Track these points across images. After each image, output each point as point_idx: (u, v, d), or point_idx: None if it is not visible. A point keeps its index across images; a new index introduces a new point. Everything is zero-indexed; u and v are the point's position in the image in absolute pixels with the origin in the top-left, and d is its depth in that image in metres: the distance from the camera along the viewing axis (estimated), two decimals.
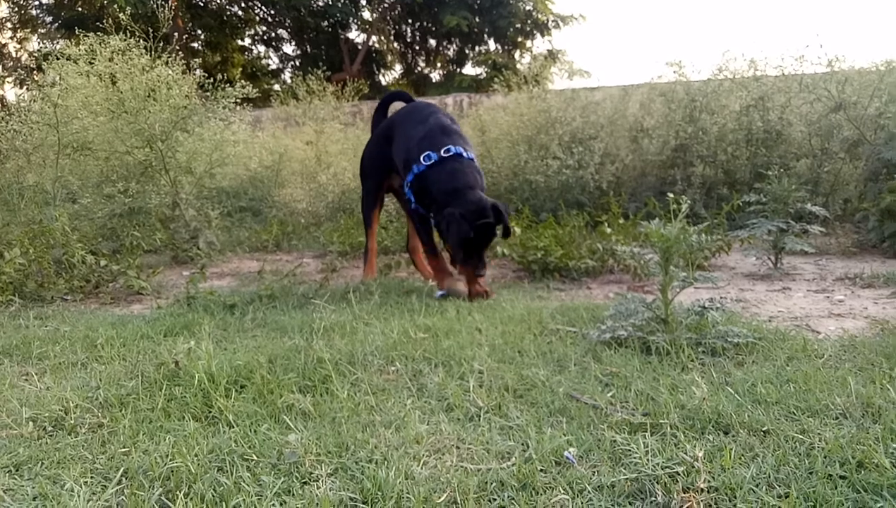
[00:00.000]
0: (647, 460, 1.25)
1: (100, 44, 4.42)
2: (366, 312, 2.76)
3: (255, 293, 3.17)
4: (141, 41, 4.46)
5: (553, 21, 16.13)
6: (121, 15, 4.31)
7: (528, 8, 16.10)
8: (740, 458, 1.27)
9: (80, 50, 4.41)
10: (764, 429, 1.39)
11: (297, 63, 18.04)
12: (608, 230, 3.88)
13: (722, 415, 1.46)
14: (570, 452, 1.30)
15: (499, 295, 3.20)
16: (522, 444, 1.38)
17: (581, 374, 1.84)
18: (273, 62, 19.25)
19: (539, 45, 16.89)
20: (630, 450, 1.30)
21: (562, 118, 5.81)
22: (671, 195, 2.26)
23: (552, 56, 15.75)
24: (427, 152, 3.21)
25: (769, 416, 1.46)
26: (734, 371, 1.82)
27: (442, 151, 3.20)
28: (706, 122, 5.55)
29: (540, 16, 16.06)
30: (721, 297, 2.26)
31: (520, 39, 16.67)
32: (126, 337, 2.41)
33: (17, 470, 1.33)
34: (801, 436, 1.35)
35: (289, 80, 16.79)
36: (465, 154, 3.23)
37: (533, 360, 1.98)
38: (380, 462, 1.28)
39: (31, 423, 1.56)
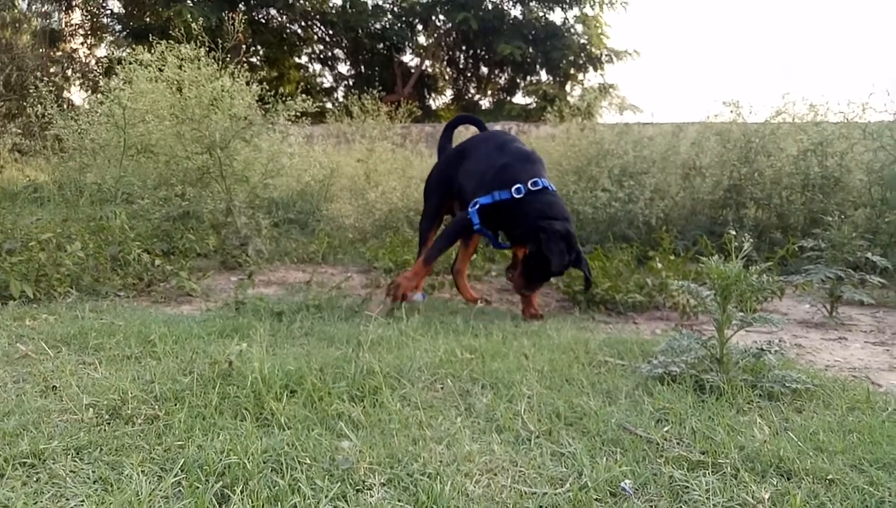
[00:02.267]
0: (708, 498, 1.22)
1: (170, 51, 4.59)
2: (412, 328, 2.76)
3: (301, 302, 3.20)
4: (210, 51, 4.61)
5: (607, 55, 16.18)
6: (194, 25, 4.47)
7: (582, 41, 16.19)
8: (806, 505, 1.22)
9: (151, 56, 4.58)
10: (829, 478, 1.34)
11: (351, 83, 18.42)
12: (658, 266, 3.83)
13: (784, 460, 1.41)
14: (626, 483, 1.28)
15: (544, 323, 3.17)
16: (576, 472, 1.36)
17: (633, 407, 1.81)
18: (327, 80, 19.71)
19: (591, 78, 16.94)
20: (689, 487, 1.27)
21: (614, 151, 5.78)
22: (733, 232, 2.22)
23: (603, 90, 15.76)
24: (517, 185, 3.24)
25: (833, 465, 1.41)
26: (793, 416, 1.76)
27: (529, 184, 3.24)
28: (762, 164, 5.46)
29: (594, 49, 16.12)
30: (780, 341, 2.20)
31: (572, 72, 16.74)
32: (178, 336, 2.45)
33: (77, 454, 1.36)
34: (869, 488, 1.29)
35: (341, 99, 17.13)
36: (550, 187, 3.30)
37: (583, 389, 1.96)
38: (433, 477, 1.27)
39: (90, 410, 1.60)
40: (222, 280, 4.19)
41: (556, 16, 16.69)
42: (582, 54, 16.30)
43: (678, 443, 1.53)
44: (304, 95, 4.72)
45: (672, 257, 4.09)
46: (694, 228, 5.54)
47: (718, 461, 1.40)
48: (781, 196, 5.38)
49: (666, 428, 1.61)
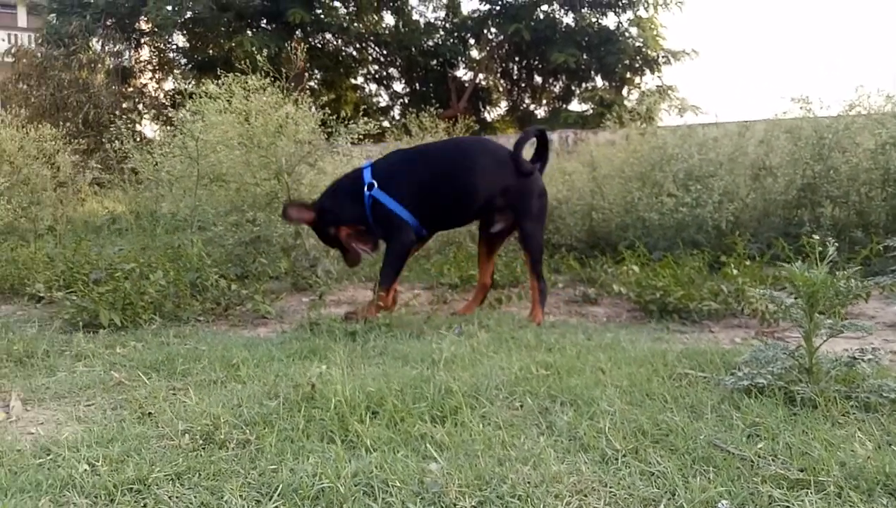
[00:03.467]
0: None
1: (237, 83, 4.77)
2: (483, 345, 2.77)
3: (373, 321, 3.25)
4: (275, 81, 4.77)
5: (664, 57, 15.89)
6: (259, 56, 4.64)
7: (637, 44, 15.96)
8: None
9: (219, 88, 4.77)
10: None
11: (406, 100, 18.67)
12: (734, 271, 3.71)
13: (891, 477, 1.34)
14: (723, 504, 1.24)
15: (616, 334, 3.12)
16: (669, 492, 1.33)
17: (720, 422, 1.76)
18: (383, 100, 20.05)
19: (648, 80, 16.66)
20: (791, 507, 1.22)
21: (678, 155, 5.66)
22: (816, 236, 2.14)
23: (661, 92, 15.47)
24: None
25: None
26: (895, 429, 1.67)
27: None
28: (837, 161, 5.24)
29: (650, 52, 15.87)
30: (874, 348, 2.09)
31: (628, 76, 16.52)
32: (259, 359, 2.53)
33: (178, 479, 1.41)
34: None
35: (398, 117, 17.38)
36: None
37: (665, 405, 1.91)
38: (524, 499, 1.27)
39: (185, 435, 1.66)
40: (294, 301, 4.30)
41: (610, 20, 16.53)
42: (638, 57, 16.06)
43: (773, 460, 1.48)
44: (365, 118, 4.81)
45: (747, 262, 3.96)
46: (767, 230, 5.35)
47: (819, 479, 1.34)
48: (860, 192, 5.15)
49: (759, 445, 1.56)
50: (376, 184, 3.48)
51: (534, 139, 3.85)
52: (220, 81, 4.83)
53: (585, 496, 1.32)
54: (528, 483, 1.36)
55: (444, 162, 3.63)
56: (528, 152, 3.83)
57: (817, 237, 2.12)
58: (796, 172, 5.39)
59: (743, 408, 1.85)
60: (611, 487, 1.36)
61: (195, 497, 1.32)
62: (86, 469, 1.44)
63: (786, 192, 5.42)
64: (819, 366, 2.05)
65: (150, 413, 1.89)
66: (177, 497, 1.33)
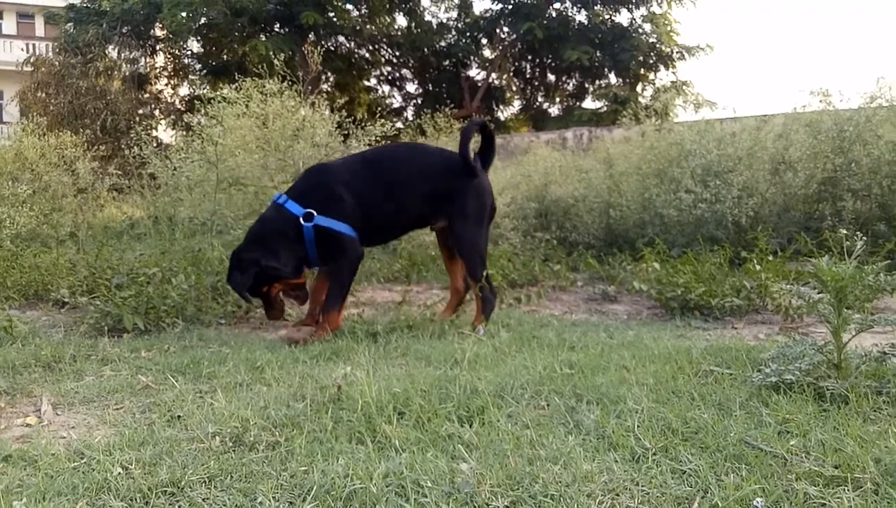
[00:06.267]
0: None
1: (255, 88, 4.80)
2: (505, 345, 2.76)
3: (395, 323, 3.26)
4: (292, 84, 4.80)
5: (678, 52, 15.79)
6: (276, 60, 4.68)
7: (651, 40, 15.87)
8: None
9: (237, 93, 4.81)
10: None
11: (420, 101, 18.69)
12: (757, 267, 3.68)
13: None
14: (758, 502, 1.23)
15: (638, 332, 3.10)
16: (701, 490, 1.32)
17: (750, 419, 1.74)
18: (396, 101, 20.09)
19: (662, 77, 16.56)
20: (827, 504, 1.21)
21: (695, 150, 5.62)
22: (843, 231, 2.12)
23: (677, 88, 15.37)
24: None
25: None
26: None
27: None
28: (858, 154, 5.17)
29: (664, 48, 15.77)
30: None
31: (642, 72, 16.43)
32: (283, 361, 2.54)
33: (210, 482, 1.43)
34: None
35: (411, 118, 17.40)
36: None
37: (693, 402, 1.90)
38: (556, 499, 1.26)
39: (216, 438, 1.68)
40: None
41: (623, 17, 16.48)
42: (652, 53, 15.97)
43: (806, 457, 1.46)
44: (382, 120, 4.83)
45: (770, 257, 3.92)
46: (787, 225, 5.30)
47: (855, 475, 1.33)
48: (882, 186, 5.08)
49: (791, 442, 1.55)
50: (315, 213, 3.17)
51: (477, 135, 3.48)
52: (237, 86, 4.86)
53: (618, 494, 1.31)
54: (560, 482, 1.36)
55: (375, 172, 3.36)
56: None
57: (844, 232, 2.09)
58: (816, 166, 5.33)
59: (772, 405, 1.84)
60: (643, 486, 1.35)
61: (229, 499, 1.34)
62: (120, 473, 1.45)
63: (806, 186, 5.37)
64: (848, 362, 2.02)
65: (178, 416, 1.90)
66: (211, 500, 1.34)
